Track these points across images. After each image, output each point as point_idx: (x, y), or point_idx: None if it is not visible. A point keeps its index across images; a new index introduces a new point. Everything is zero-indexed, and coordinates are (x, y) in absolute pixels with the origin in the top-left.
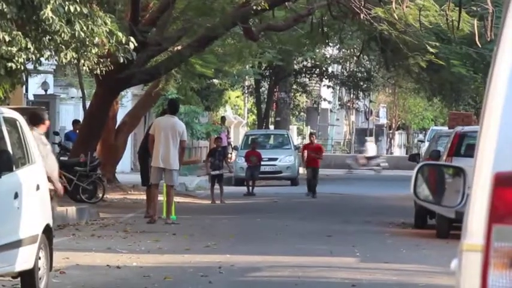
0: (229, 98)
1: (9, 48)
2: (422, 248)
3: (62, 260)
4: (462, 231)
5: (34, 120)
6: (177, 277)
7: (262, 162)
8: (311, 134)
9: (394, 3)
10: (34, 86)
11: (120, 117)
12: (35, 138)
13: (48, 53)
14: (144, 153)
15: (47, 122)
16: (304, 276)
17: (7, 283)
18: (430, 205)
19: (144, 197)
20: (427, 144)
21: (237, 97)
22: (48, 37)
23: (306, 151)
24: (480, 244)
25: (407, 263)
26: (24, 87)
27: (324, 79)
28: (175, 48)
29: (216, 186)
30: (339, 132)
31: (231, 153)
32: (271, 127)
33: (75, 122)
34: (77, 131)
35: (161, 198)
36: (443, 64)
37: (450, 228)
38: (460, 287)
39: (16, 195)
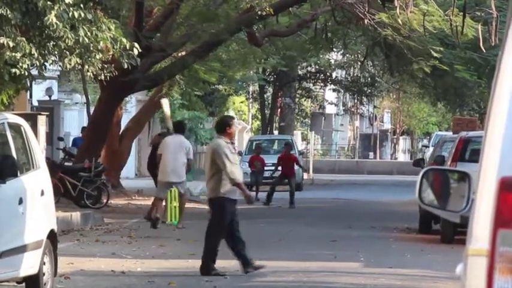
0: (234, 103)
1: (14, 54)
2: (426, 253)
3: (66, 265)
4: (467, 236)
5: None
6: (182, 282)
7: (266, 168)
8: (286, 144)
9: (398, 9)
10: (38, 92)
11: (124, 122)
12: (221, 148)
13: (53, 58)
14: (154, 169)
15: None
16: (309, 281)
17: None
18: (435, 210)
19: (149, 202)
20: (431, 149)
21: (241, 102)
22: (52, 43)
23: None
24: (485, 249)
25: (412, 268)
26: (28, 92)
27: (328, 84)
28: (179, 54)
29: None
30: (343, 137)
31: None
32: (276, 132)
33: (84, 129)
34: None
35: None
36: (447, 69)
37: (455, 233)
38: None
39: (21, 201)
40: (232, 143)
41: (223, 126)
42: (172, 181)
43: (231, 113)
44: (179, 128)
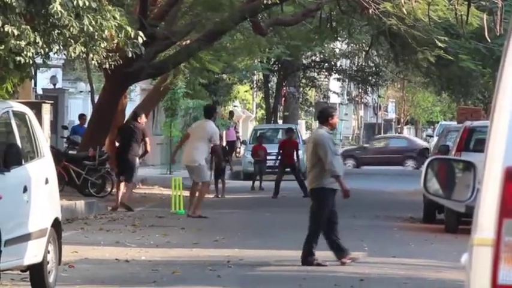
0: (238, 92)
1: (18, 42)
2: (430, 243)
3: (70, 254)
4: (472, 226)
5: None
6: (186, 271)
7: (270, 157)
8: (289, 130)
9: None
10: (43, 80)
11: (128, 111)
12: (324, 138)
13: (57, 47)
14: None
15: None
16: (313, 271)
17: (16, 277)
18: (440, 199)
19: (153, 191)
20: (435, 139)
21: (246, 91)
22: (56, 31)
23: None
24: (491, 238)
25: (416, 258)
26: (32, 81)
27: (332, 73)
28: (184, 43)
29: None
30: (347, 127)
31: (239, 148)
32: (280, 122)
33: (82, 116)
34: (84, 125)
35: (169, 192)
36: (452, 59)
37: (459, 223)
38: (471, 282)
39: (25, 189)
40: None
41: (326, 116)
42: (186, 164)
43: (236, 102)
44: (206, 111)
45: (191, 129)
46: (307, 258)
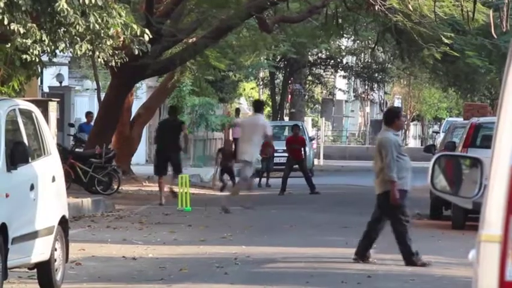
0: (244, 89)
1: (24, 40)
2: (437, 239)
3: (77, 252)
4: (480, 222)
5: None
6: (193, 268)
7: (277, 154)
8: (295, 126)
9: None
10: (49, 78)
11: (135, 109)
12: (389, 141)
13: (63, 45)
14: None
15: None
16: (320, 268)
17: (23, 274)
18: (447, 196)
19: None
20: (442, 135)
21: (252, 89)
22: (63, 29)
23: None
24: (498, 235)
25: (423, 254)
26: (39, 79)
27: (338, 70)
28: (190, 40)
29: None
30: (353, 123)
31: None
32: (286, 119)
33: (88, 114)
34: (90, 123)
35: (176, 189)
36: (458, 55)
37: (466, 219)
38: (478, 278)
39: (32, 187)
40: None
41: (392, 117)
42: (242, 159)
43: (242, 99)
44: (257, 106)
45: (242, 125)
46: (411, 259)
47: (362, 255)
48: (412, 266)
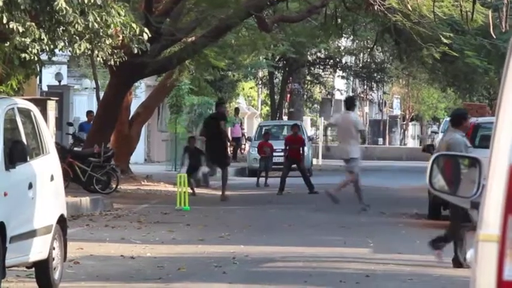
0: (243, 89)
1: (23, 39)
2: None
3: (76, 250)
4: (478, 222)
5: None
6: (191, 267)
7: (275, 154)
8: (294, 126)
9: None
10: (48, 77)
11: (133, 108)
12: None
13: (62, 43)
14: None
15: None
16: (318, 267)
17: (21, 273)
18: (445, 195)
19: (158, 187)
20: (440, 135)
21: (251, 88)
22: (62, 28)
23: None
24: (496, 234)
25: (422, 254)
26: (38, 78)
27: (337, 70)
28: (189, 39)
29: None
30: None
31: (244, 144)
32: (285, 118)
33: (89, 113)
34: (91, 122)
35: (175, 189)
36: (457, 55)
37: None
38: (476, 278)
39: (30, 186)
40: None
41: (460, 119)
42: (344, 158)
43: (241, 98)
44: (348, 104)
45: (337, 123)
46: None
47: (438, 246)
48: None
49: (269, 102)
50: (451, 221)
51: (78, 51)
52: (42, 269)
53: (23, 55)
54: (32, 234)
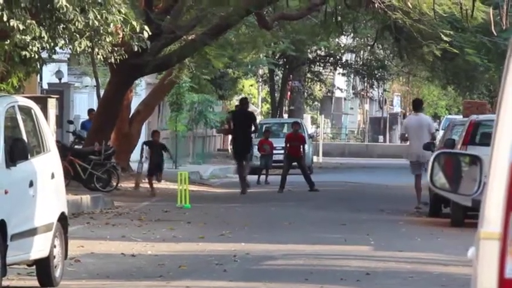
0: (243, 86)
1: (24, 36)
2: (436, 237)
3: (76, 248)
4: (479, 220)
5: None
6: (192, 265)
7: (276, 151)
8: (295, 123)
9: None
10: (48, 75)
11: (134, 105)
12: None
13: (62, 41)
14: None
15: None
16: (319, 265)
17: (22, 271)
18: (446, 193)
19: (158, 185)
20: (441, 132)
21: (251, 86)
22: (62, 26)
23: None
24: (497, 232)
25: (422, 252)
26: (38, 75)
27: (338, 68)
28: (190, 37)
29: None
30: (352, 121)
31: None
32: (285, 116)
33: (91, 111)
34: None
35: (175, 186)
36: (457, 53)
37: (465, 217)
38: (478, 275)
39: (31, 184)
40: None
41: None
42: (415, 160)
43: (241, 96)
44: (416, 106)
45: (409, 125)
46: None
47: None
48: None
49: (269, 100)
50: None
51: (78, 49)
52: (43, 267)
53: (23, 53)
54: (32, 232)
